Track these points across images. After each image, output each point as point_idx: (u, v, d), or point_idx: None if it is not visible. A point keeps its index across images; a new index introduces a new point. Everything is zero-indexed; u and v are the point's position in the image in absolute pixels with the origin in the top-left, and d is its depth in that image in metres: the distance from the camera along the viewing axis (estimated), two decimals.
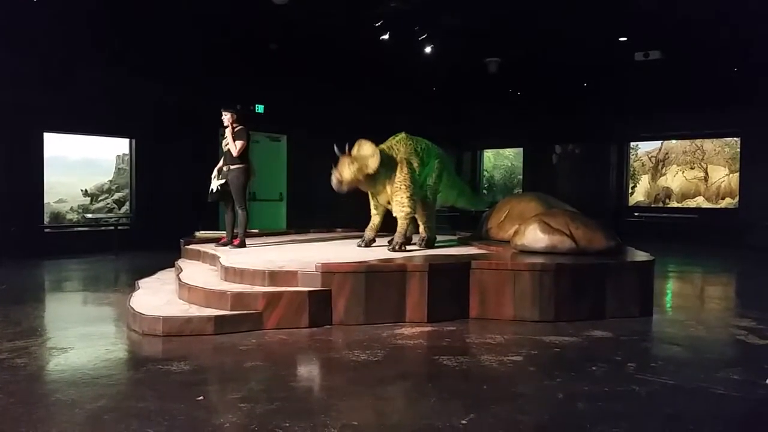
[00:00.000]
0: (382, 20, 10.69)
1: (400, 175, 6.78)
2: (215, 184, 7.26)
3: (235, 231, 7.35)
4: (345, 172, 6.69)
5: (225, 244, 7.31)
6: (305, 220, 11.20)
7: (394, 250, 6.72)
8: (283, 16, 10.25)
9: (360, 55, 12.72)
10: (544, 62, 13.41)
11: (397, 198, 6.79)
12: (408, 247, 6.90)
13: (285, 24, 10.85)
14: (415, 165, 6.88)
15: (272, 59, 12.31)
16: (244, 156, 7.16)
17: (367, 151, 6.75)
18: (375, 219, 7.19)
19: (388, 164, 6.79)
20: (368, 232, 7.19)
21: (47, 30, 9.72)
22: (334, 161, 6.83)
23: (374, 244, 7.10)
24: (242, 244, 7.20)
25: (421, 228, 7.17)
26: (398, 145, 6.98)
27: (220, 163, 7.33)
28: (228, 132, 7.19)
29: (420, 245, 7.07)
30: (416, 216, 7.03)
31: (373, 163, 6.71)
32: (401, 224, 6.85)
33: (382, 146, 6.93)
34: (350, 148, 6.78)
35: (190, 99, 11.34)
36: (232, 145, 7.12)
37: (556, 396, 3.62)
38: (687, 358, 4.56)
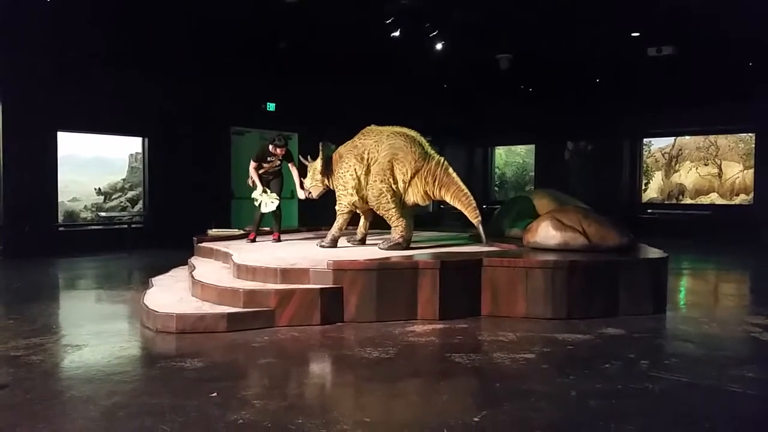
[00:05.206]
0: (392, 17, 10.67)
1: (337, 173, 6.76)
2: (267, 199, 7.45)
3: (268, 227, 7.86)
4: (306, 180, 7.11)
5: (253, 240, 7.59)
6: (317, 218, 11.22)
7: (321, 246, 6.79)
8: (293, 14, 10.25)
9: (371, 53, 12.69)
10: (556, 58, 13.31)
11: (336, 193, 6.81)
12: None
13: (295, 22, 10.86)
14: (353, 162, 6.58)
15: (283, 57, 12.31)
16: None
17: (320, 154, 6.89)
18: (363, 218, 7.10)
19: (339, 162, 6.77)
20: (358, 231, 7.13)
21: (60, 30, 9.78)
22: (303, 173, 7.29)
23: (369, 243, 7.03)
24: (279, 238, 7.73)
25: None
26: (352, 141, 6.82)
27: (260, 187, 7.48)
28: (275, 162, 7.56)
29: (383, 247, 6.48)
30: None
31: (316, 164, 6.90)
32: (336, 220, 6.77)
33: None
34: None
35: (202, 97, 11.39)
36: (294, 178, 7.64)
37: (569, 394, 3.60)
38: (701, 356, 4.53)
